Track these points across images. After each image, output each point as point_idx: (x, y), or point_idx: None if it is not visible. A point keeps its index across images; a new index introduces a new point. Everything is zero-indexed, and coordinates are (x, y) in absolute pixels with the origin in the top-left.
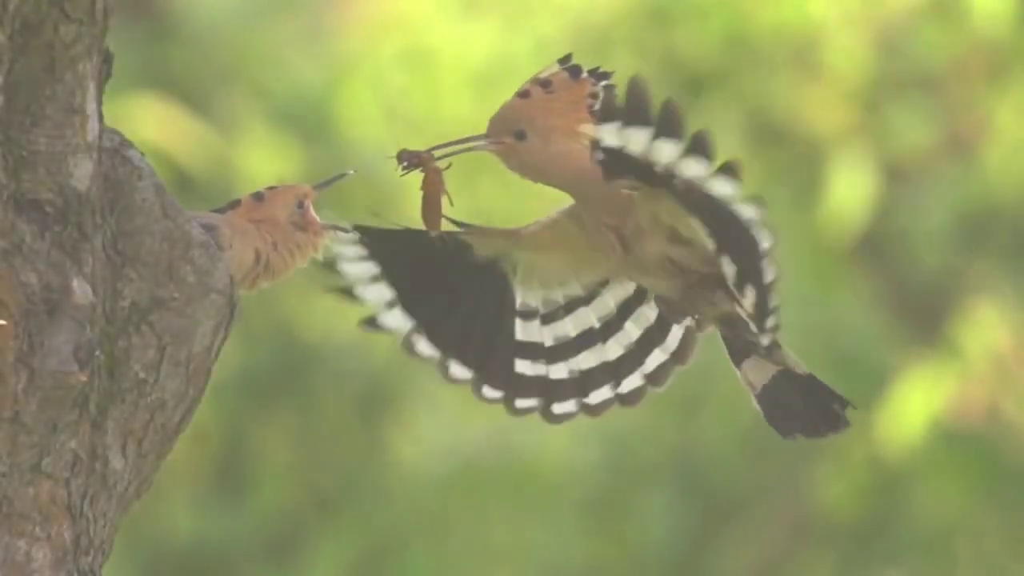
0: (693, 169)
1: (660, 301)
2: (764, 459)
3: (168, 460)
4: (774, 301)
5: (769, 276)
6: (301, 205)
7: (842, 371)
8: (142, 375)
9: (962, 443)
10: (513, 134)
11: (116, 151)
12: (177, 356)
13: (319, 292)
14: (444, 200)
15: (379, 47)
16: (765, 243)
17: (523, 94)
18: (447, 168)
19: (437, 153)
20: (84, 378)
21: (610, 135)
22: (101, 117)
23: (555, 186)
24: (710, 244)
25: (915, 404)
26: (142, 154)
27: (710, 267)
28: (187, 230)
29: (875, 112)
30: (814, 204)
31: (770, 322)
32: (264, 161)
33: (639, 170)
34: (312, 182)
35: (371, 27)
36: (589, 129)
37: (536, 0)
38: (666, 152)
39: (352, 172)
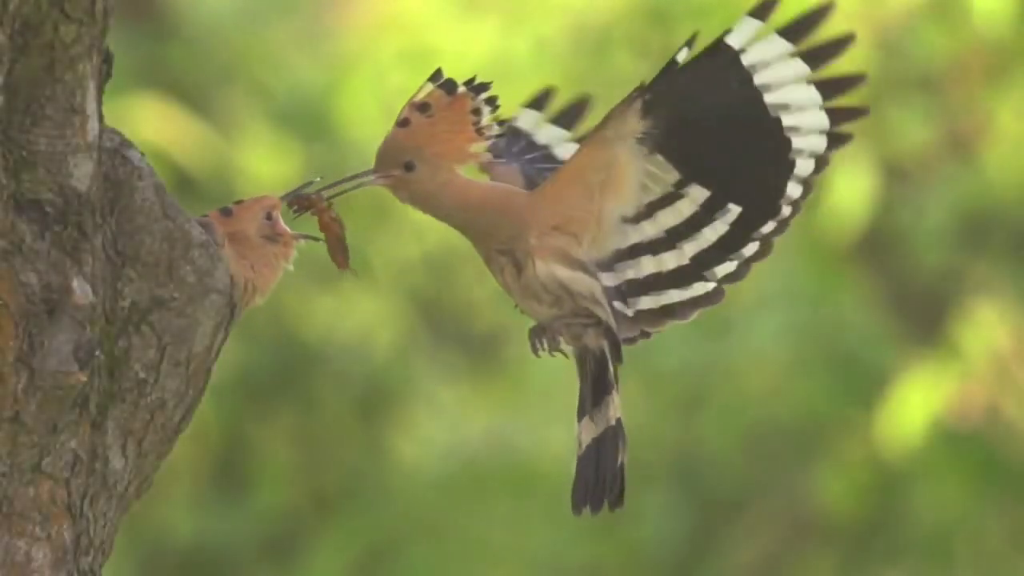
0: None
1: (534, 330)
2: (764, 459)
3: (168, 460)
4: (761, 233)
5: (774, 215)
6: (269, 217)
7: (842, 371)
8: (142, 375)
9: (962, 443)
10: (402, 166)
11: (116, 151)
12: (177, 356)
13: (319, 292)
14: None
15: (379, 47)
16: (803, 169)
17: (403, 122)
18: (329, 206)
19: (327, 193)
20: (84, 378)
21: (746, 31)
22: (101, 117)
23: (442, 217)
24: (670, 177)
25: (915, 404)
26: (142, 154)
27: (593, 302)
28: (187, 230)
29: (875, 112)
30: (814, 204)
31: (747, 249)
32: (264, 161)
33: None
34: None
35: (371, 27)
36: (480, 148)
37: (536, 0)
38: (790, 71)
39: (318, 180)
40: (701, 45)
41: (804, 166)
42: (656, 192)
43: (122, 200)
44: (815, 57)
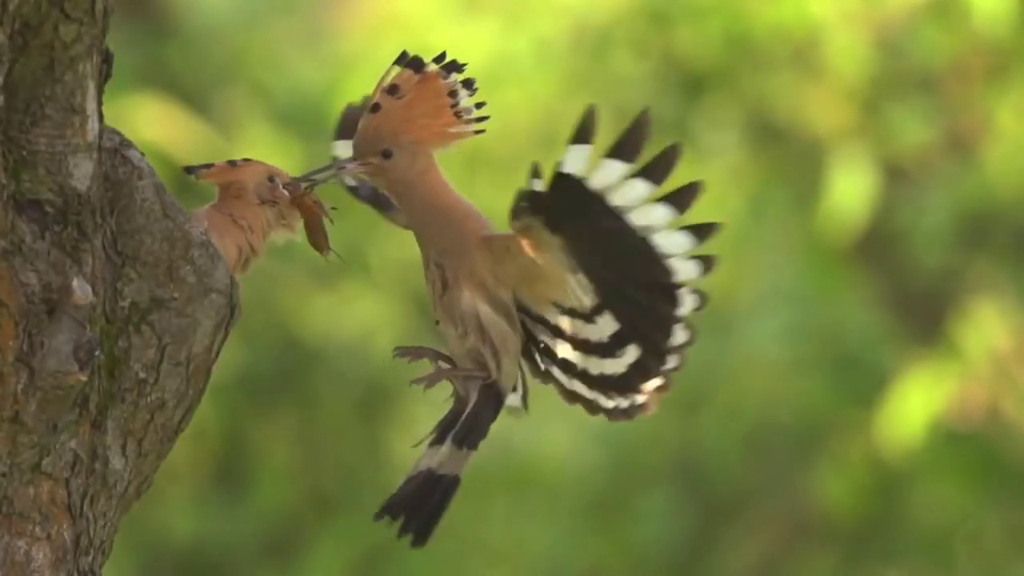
0: (654, 214)
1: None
2: (764, 459)
3: (168, 460)
4: (665, 364)
5: (674, 339)
6: (272, 180)
7: (842, 371)
8: (142, 375)
9: (962, 443)
10: (380, 153)
11: (116, 151)
12: (177, 356)
13: (318, 292)
14: (326, 222)
15: (379, 47)
16: (684, 306)
17: (374, 108)
18: (308, 191)
19: (306, 184)
20: (84, 378)
21: (576, 161)
22: (101, 117)
23: (409, 209)
24: (588, 300)
25: (915, 404)
26: (142, 154)
27: (495, 355)
28: (187, 230)
29: (875, 112)
30: (814, 204)
31: (648, 385)
32: (264, 160)
33: (574, 204)
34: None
35: (371, 27)
36: (459, 130)
37: (536, 0)
38: (636, 192)
39: (338, 168)
40: (548, 173)
41: (689, 301)
42: (576, 306)
43: (122, 200)
44: (654, 173)
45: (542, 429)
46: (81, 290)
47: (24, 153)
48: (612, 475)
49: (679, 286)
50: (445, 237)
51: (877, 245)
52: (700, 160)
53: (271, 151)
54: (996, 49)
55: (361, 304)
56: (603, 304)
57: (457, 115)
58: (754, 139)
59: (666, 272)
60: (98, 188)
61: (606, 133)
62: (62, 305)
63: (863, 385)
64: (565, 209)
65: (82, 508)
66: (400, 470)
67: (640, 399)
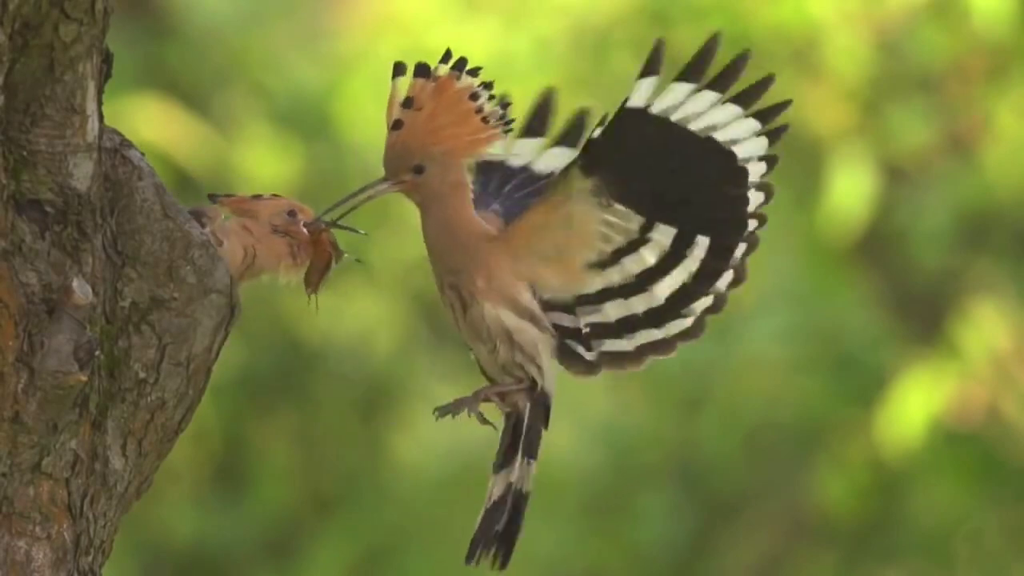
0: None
1: (458, 402)
2: (764, 459)
3: (168, 460)
4: (735, 258)
5: (743, 229)
6: (292, 214)
7: (842, 371)
8: (142, 375)
9: (962, 443)
10: (412, 169)
11: (116, 151)
12: (177, 356)
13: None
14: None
15: (379, 47)
16: (753, 200)
17: (395, 125)
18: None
19: (342, 209)
20: (84, 378)
21: (644, 91)
22: (101, 117)
23: (429, 225)
24: (634, 223)
25: (915, 404)
26: (142, 154)
27: (531, 359)
28: (187, 230)
29: (875, 112)
30: (814, 204)
31: (722, 281)
32: (264, 161)
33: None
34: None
35: (371, 27)
36: (490, 133)
37: (536, 0)
38: (703, 101)
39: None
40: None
41: (756, 169)
42: (619, 240)
43: (122, 200)
44: (722, 83)
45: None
46: (81, 290)
47: (24, 153)
48: (612, 475)
49: (743, 167)
50: (457, 253)
51: (877, 245)
52: None
53: (271, 151)
54: (996, 49)
55: (361, 304)
56: (651, 217)
57: (484, 120)
58: None
59: (729, 155)
60: (98, 188)
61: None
62: (62, 305)
63: (863, 385)
64: (609, 145)
65: (82, 508)
66: (400, 470)
67: (724, 282)
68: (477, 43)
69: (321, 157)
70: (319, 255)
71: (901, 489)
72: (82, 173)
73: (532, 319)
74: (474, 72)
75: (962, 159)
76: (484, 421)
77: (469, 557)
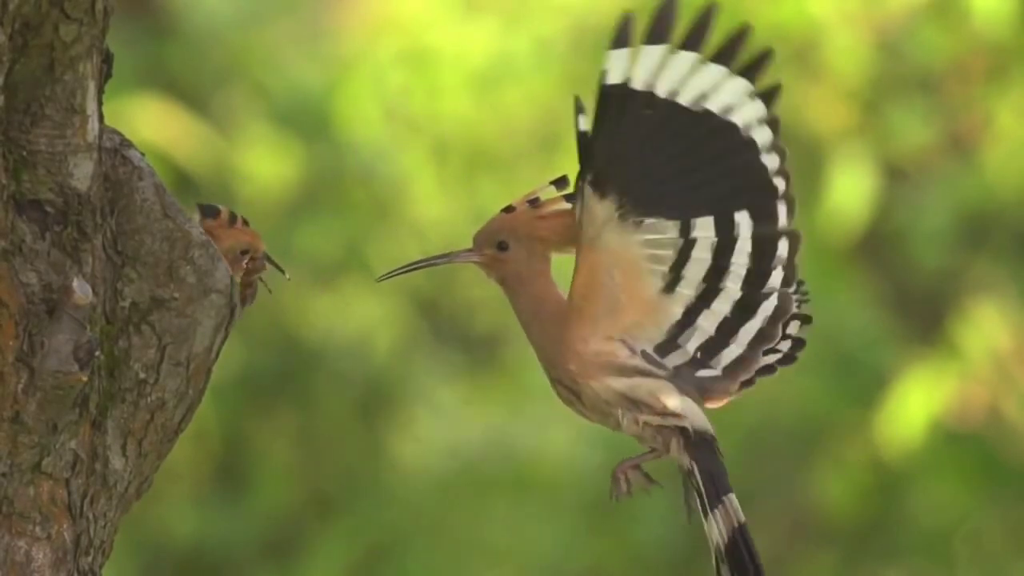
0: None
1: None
2: (764, 459)
3: (168, 460)
4: (781, 215)
5: (773, 190)
6: (244, 253)
7: (842, 371)
8: (142, 375)
9: (962, 443)
10: (496, 245)
11: (116, 151)
12: (177, 356)
13: (319, 292)
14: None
15: (379, 47)
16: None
17: (507, 208)
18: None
19: (422, 268)
20: (84, 378)
21: (618, 65)
22: (101, 117)
23: (519, 311)
24: (671, 229)
25: (915, 404)
26: (142, 154)
27: (659, 408)
28: (187, 230)
29: (875, 112)
30: (814, 204)
31: (781, 248)
32: (264, 161)
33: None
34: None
35: (371, 27)
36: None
37: (536, 0)
38: (683, 64)
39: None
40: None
41: (761, 136)
42: (669, 254)
43: (122, 200)
44: (693, 43)
45: (542, 429)
46: (81, 290)
47: (24, 153)
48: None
49: (748, 138)
50: (545, 344)
51: (877, 245)
52: None
53: (271, 151)
54: (996, 49)
55: (361, 304)
56: (684, 215)
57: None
58: None
59: (730, 126)
60: (98, 188)
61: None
62: (62, 305)
63: (863, 385)
64: (607, 142)
65: (82, 508)
66: (400, 470)
67: (784, 249)
68: (477, 43)
69: (321, 157)
70: (247, 278)
71: (901, 489)
72: (82, 173)
73: (640, 372)
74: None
75: (962, 159)
76: (651, 481)
77: None
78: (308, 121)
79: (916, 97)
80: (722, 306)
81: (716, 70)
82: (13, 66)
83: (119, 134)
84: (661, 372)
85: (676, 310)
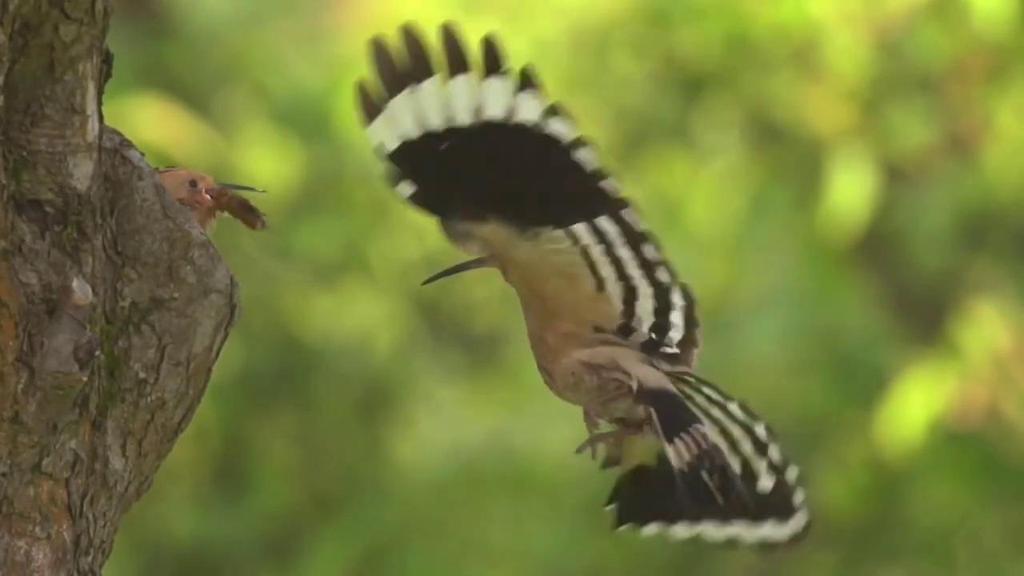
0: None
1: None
2: None
3: (168, 460)
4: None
5: (599, 177)
6: (193, 184)
7: (842, 371)
8: (142, 375)
9: (962, 443)
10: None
11: (116, 151)
12: (177, 356)
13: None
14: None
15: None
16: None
17: None
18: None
19: (460, 272)
20: (84, 378)
21: (379, 129)
22: (101, 117)
23: (527, 298)
24: (561, 235)
25: (915, 404)
26: (142, 154)
27: (616, 369)
28: (187, 230)
29: (875, 112)
30: (814, 204)
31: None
32: (264, 161)
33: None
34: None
35: (370, 27)
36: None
37: (536, 0)
38: (430, 93)
39: (261, 190)
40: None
41: (558, 127)
42: (576, 257)
43: (122, 200)
44: (420, 70)
45: (542, 429)
46: (81, 290)
47: (24, 153)
48: (612, 475)
49: (547, 135)
50: (530, 326)
51: (877, 245)
52: (700, 160)
53: (270, 151)
54: (996, 49)
55: (361, 304)
56: (562, 221)
57: None
58: (754, 139)
59: (523, 129)
60: (98, 188)
61: (606, 133)
62: (62, 305)
63: (863, 385)
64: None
65: (82, 508)
66: (400, 470)
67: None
68: (477, 43)
69: (321, 157)
70: (235, 210)
71: (901, 489)
72: (82, 173)
73: (603, 343)
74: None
75: (962, 159)
76: (617, 462)
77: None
78: (308, 121)
79: (916, 97)
80: (645, 300)
81: (464, 83)
82: (13, 66)
83: (119, 134)
84: (623, 343)
85: (617, 303)
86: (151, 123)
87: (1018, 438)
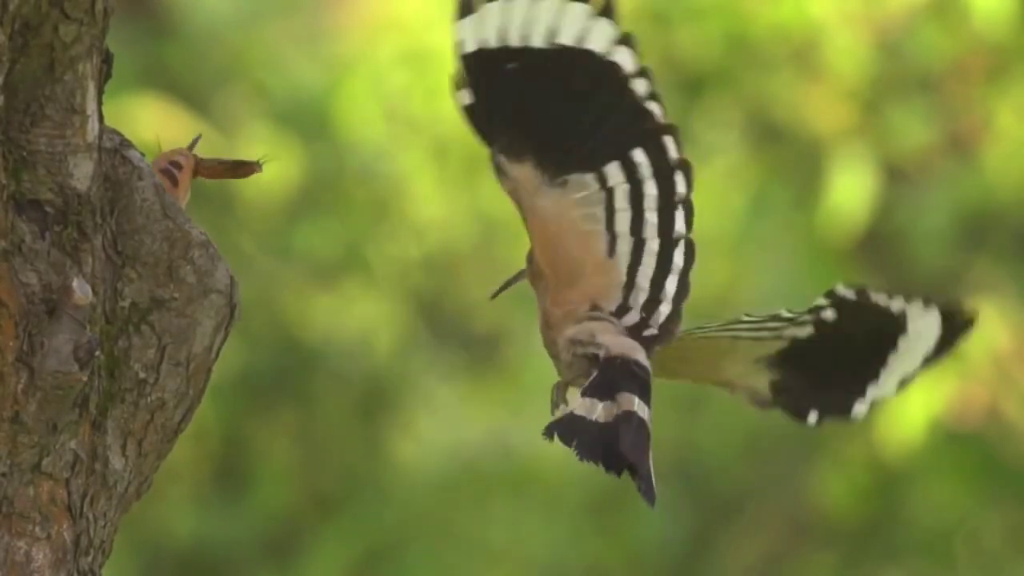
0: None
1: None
2: (764, 459)
3: (168, 460)
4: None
5: (649, 116)
6: (174, 162)
7: None
8: (142, 375)
9: (962, 443)
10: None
11: (116, 151)
12: (177, 356)
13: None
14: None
15: (378, 47)
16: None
17: None
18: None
19: (500, 293)
20: (84, 378)
21: (467, 28)
22: (101, 117)
23: (539, 271)
24: (591, 181)
25: (915, 404)
26: (142, 154)
27: (591, 344)
28: (187, 230)
29: (875, 112)
30: (814, 204)
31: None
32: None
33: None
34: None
35: (371, 27)
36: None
37: None
38: (520, 8)
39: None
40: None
41: (624, 58)
42: (598, 211)
43: (122, 200)
44: None
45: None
46: (81, 290)
47: (24, 153)
48: (612, 477)
49: (610, 62)
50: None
51: (877, 245)
52: (700, 160)
53: (271, 151)
54: (996, 49)
55: (361, 304)
56: (595, 163)
57: None
58: (754, 139)
59: (587, 54)
60: (98, 188)
61: None
62: (62, 305)
63: None
64: (492, 108)
65: (82, 508)
66: (400, 470)
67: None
68: None
69: (321, 157)
70: (216, 172)
71: (901, 489)
72: (82, 173)
73: (591, 319)
74: None
75: (962, 159)
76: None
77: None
78: (308, 121)
79: (916, 97)
80: (649, 260)
81: (551, 4)
82: (13, 66)
83: (119, 134)
84: (608, 319)
85: (622, 271)
86: (151, 123)
87: (1018, 438)
